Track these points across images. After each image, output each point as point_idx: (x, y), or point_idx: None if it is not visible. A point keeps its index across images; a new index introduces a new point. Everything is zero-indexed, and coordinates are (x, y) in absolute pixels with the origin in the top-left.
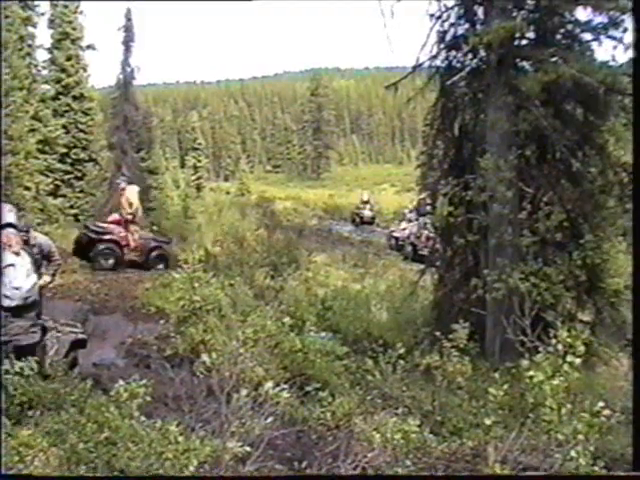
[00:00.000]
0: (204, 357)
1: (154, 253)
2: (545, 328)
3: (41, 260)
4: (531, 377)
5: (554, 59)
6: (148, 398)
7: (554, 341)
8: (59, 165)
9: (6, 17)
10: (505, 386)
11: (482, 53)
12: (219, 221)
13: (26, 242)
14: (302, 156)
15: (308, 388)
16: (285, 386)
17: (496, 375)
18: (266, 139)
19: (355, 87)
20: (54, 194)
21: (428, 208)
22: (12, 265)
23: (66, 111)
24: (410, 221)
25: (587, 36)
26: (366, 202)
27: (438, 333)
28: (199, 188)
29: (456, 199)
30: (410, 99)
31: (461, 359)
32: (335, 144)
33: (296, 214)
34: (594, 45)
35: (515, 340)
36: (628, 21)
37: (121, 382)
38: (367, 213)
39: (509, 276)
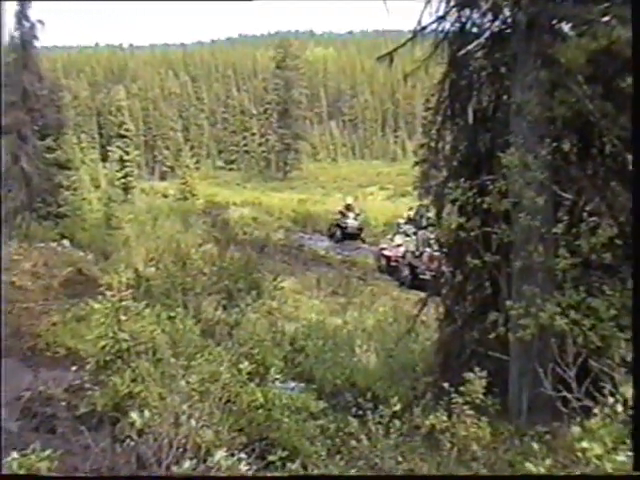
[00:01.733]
0: (133, 416)
1: None
2: (595, 380)
3: None
4: (584, 450)
5: (605, 19)
6: (53, 474)
7: (611, 399)
8: None
9: None
10: (547, 461)
11: (506, 13)
12: (154, 233)
13: None
14: (264, 149)
15: (272, 457)
16: (242, 455)
17: (534, 445)
18: (216, 125)
19: (335, 58)
20: None
21: (431, 218)
22: None
23: None
24: (407, 235)
25: None
26: (349, 209)
27: (445, 384)
28: (127, 189)
29: (469, 207)
30: (408, 75)
31: (476, 420)
32: (308, 133)
33: (256, 225)
34: None
35: (551, 395)
36: None
37: (14, 454)
38: (351, 223)
39: (540, 309)
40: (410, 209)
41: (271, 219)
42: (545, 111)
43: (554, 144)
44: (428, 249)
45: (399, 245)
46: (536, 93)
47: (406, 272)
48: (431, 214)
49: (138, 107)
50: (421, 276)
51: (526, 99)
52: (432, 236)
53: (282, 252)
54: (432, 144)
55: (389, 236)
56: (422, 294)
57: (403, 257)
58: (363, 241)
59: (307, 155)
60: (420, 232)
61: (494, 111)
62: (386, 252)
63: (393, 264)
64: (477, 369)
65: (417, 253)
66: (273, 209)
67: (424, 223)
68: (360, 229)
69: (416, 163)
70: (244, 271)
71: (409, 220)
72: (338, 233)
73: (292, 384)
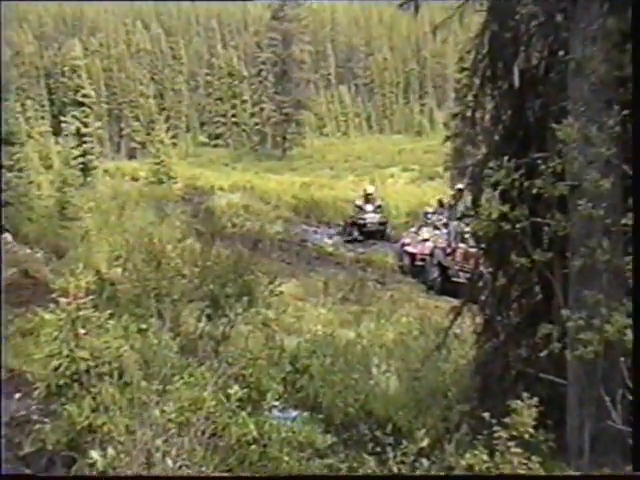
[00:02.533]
0: (94, 455)
1: None
2: None
3: None
4: None
5: None
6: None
7: None
8: None
9: None
10: None
11: None
12: (120, 225)
13: None
14: (258, 120)
15: None
16: None
17: None
18: (198, 91)
19: (345, 7)
20: None
21: (466, 207)
22: None
23: None
24: (436, 228)
25: None
26: (369, 200)
27: (485, 414)
28: (86, 170)
29: (514, 192)
30: (438, 27)
31: (525, 460)
32: (312, 101)
33: (248, 215)
34: None
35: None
36: None
37: None
38: (371, 218)
39: (606, 321)
40: (439, 196)
41: (267, 208)
42: (613, 70)
43: (623, 112)
44: (462, 245)
45: (426, 240)
46: (601, 47)
47: (435, 273)
48: (466, 201)
49: (99, 67)
50: (454, 278)
51: (588, 55)
52: (467, 229)
53: (280, 249)
54: (468, 113)
55: (413, 229)
56: (455, 301)
57: (431, 255)
58: (388, 239)
59: (311, 128)
60: (452, 224)
61: (547, 71)
62: (410, 249)
63: (419, 263)
64: (525, 395)
65: (449, 250)
66: (269, 195)
67: (457, 212)
68: (383, 224)
69: (447, 138)
70: (233, 272)
71: (439, 209)
72: (356, 233)
73: (293, 413)
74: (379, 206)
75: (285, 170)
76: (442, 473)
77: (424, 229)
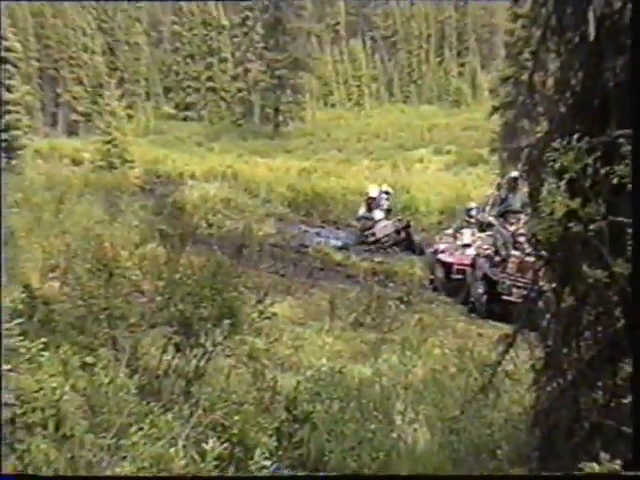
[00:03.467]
0: None
1: None
2: None
3: None
4: None
5: None
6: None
7: None
8: None
9: None
10: None
11: None
12: (58, 225)
13: None
14: (242, 85)
15: None
16: None
17: None
18: (161, 46)
19: None
20: None
21: (521, 202)
22: None
23: None
24: (480, 230)
25: None
26: (373, 203)
27: None
28: (11, 149)
29: (587, 182)
30: None
31: None
32: (314, 59)
33: (230, 211)
34: None
35: None
36: None
37: None
38: (384, 228)
39: None
40: (485, 187)
41: (254, 202)
42: None
43: None
44: (516, 252)
45: (467, 246)
46: None
47: (479, 289)
48: (522, 194)
49: (27, 13)
50: (504, 297)
51: None
52: (523, 230)
53: (272, 256)
54: (523, 77)
55: (449, 231)
56: (506, 327)
57: (473, 265)
58: (415, 250)
59: (313, 96)
60: (500, 226)
61: (637, 19)
62: (445, 257)
63: (456, 277)
64: (604, 455)
65: (498, 259)
66: (257, 185)
67: (508, 207)
68: (404, 230)
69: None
70: (210, 288)
71: (484, 204)
72: (369, 237)
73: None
74: (389, 209)
75: (278, 152)
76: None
77: (464, 231)
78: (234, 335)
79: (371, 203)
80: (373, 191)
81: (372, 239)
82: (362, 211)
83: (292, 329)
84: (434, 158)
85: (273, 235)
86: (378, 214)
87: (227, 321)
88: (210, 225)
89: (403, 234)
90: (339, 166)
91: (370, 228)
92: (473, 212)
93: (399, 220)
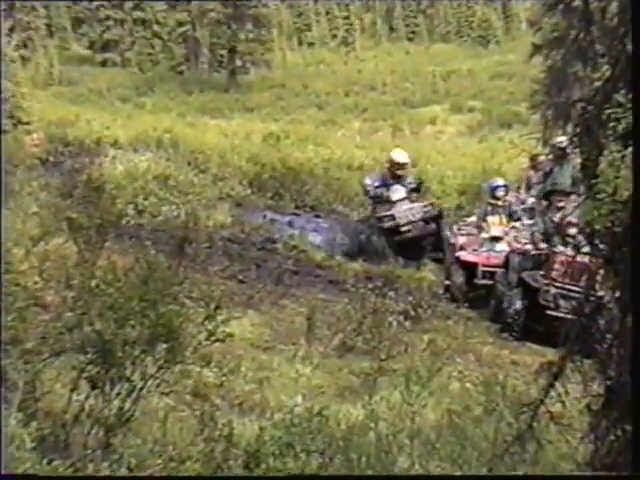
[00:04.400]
0: None
1: None
2: None
3: None
4: None
5: None
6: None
7: None
8: None
9: None
10: None
11: None
12: None
13: None
14: (183, 17)
15: None
16: None
17: None
18: None
19: None
20: None
21: (570, 177)
22: None
23: None
24: (514, 218)
25: None
26: (397, 172)
27: None
28: None
29: None
30: None
31: None
32: None
33: (169, 192)
34: None
35: None
36: None
37: None
38: (408, 212)
39: None
40: (522, 157)
41: (202, 180)
42: None
43: None
44: (563, 248)
45: (496, 239)
46: None
47: (514, 301)
48: (572, 167)
49: None
50: (549, 311)
51: None
52: (574, 219)
53: (228, 255)
54: (575, 2)
55: (472, 218)
56: (551, 352)
57: (505, 266)
58: (445, 250)
59: (283, 32)
60: (544, 209)
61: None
62: (466, 255)
63: (482, 282)
64: None
65: (539, 257)
66: (206, 157)
67: (555, 188)
68: (433, 221)
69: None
70: (140, 299)
71: (520, 182)
72: (383, 240)
73: None
74: (417, 187)
75: (235, 110)
76: None
77: (492, 219)
78: (173, 365)
79: (393, 173)
80: (400, 155)
81: (389, 224)
82: (371, 182)
83: (255, 356)
84: (451, 118)
85: (228, 226)
86: (397, 192)
87: (163, 345)
88: (140, 212)
89: (433, 226)
90: (320, 130)
91: (385, 210)
92: (503, 193)
93: (430, 204)
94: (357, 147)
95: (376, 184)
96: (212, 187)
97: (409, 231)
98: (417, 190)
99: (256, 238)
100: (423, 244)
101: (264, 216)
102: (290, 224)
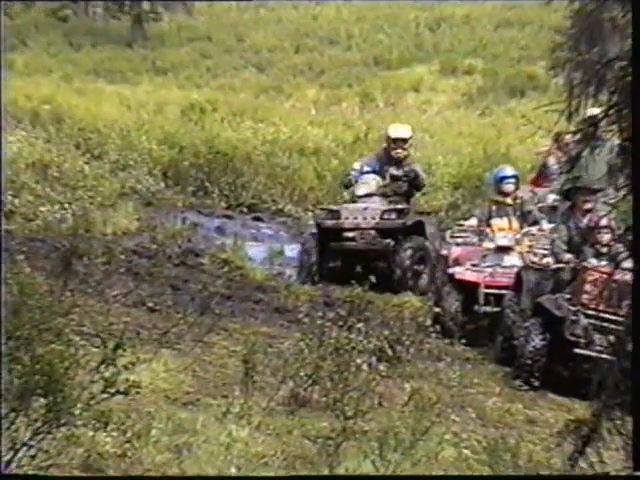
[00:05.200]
0: None
1: None
2: None
3: None
4: None
5: None
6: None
7: None
8: None
9: None
10: None
11: None
12: None
13: None
14: None
15: None
16: None
17: None
18: None
19: None
20: None
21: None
22: None
23: None
24: (533, 219)
25: None
26: (397, 153)
27: None
28: None
29: None
30: None
31: None
32: None
33: (49, 186)
34: None
35: None
36: None
37: None
38: (360, 211)
39: None
40: (541, 135)
41: (96, 169)
42: None
43: None
44: (595, 261)
45: (504, 250)
46: None
47: (531, 335)
48: (606, 151)
49: None
50: (579, 350)
51: None
52: (608, 221)
53: (133, 273)
54: None
55: (471, 221)
56: (581, 405)
57: (517, 288)
58: (401, 282)
59: None
60: (569, 209)
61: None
62: (463, 272)
63: (485, 309)
64: None
65: (563, 275)
66: (103, 136)
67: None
68: (397, 232)
69: None
70: (7, 335)
71: (537, 172)
72: (312, 244)
73: None
74: (413, 180)
75: (142, 71)
76: None
77: (497, 222)
78: (55, 427)
79: (390, 155)
80: (397, 130)
81: (328, 224)
82: (365, 167)
83: (171, 413)
84: (442, 83)
85: (134, 233)
86: (364, 184)
87: (42, 400)
88: (8, 215)
89: (390, 242)
90: (260, 100)
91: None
92: (513, 186)
93: (402, 210)
94: (312, 124)
95: (366, 169)
96: (110, 179)
97: (353, 240)
98: (414, 186)
99: (173, 250)
100: (370, 264)
101: (184, 219)
102: (220, 230)
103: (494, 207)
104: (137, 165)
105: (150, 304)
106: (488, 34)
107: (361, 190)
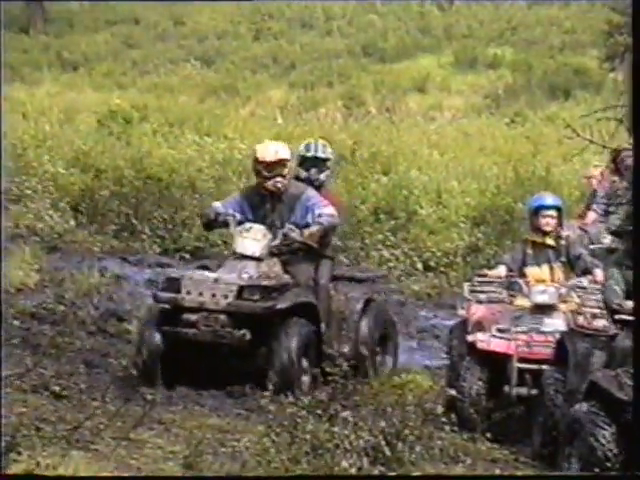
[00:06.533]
0: None
1: None
2: None
3: None
4: None
5: None
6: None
7: None
8: None
9: None
10: None
11: None
12: None
13: None
14: None
15: None
16: None
17: None
18: None
19: None
20: None
21: None
22: None
23: None
24: (584, 269)
25: None
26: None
27: None
28: None
29: None
30: None
31: None
32: None
33: None
34: None
35: None
36: None
37: None
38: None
39: None
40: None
41: None
42: None
43: None
44: None
45: (543, 309)
46: None
47: (593, 431)
48: None
49: None
50: None
51: None
52: None
53: (30, 345)
54: None
55: (499, 269)
56: None
57: (561, 360)
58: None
59: None
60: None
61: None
62: (487, 340)
63: (520, 391)
64: None
65: (627, 342)
66: None
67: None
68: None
69: None
70: None
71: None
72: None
73: None
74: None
75: (43, 66)
76: None
77: (534, 271)
78: None
79: (265, 187)
80: (267, 150)
81: (164, 297)
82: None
83: None
84: (457, 80)
85: (32, 289)
86: (245, 241)
87: None
88: None
89: (245, 336)
90: (206, 104)
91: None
92: (555, 221)
93: (281, 284)
94: (278, 137)
95: (231, 211)
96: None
97: (193, 326)
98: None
99: (87, 312)
100: (221, 365)
101: (102, 269)
102: (152, 284)
103: (529, 250)
104: (37, 195)
105: (55, 388)
106: (519, 13)
107: (247, 248)
